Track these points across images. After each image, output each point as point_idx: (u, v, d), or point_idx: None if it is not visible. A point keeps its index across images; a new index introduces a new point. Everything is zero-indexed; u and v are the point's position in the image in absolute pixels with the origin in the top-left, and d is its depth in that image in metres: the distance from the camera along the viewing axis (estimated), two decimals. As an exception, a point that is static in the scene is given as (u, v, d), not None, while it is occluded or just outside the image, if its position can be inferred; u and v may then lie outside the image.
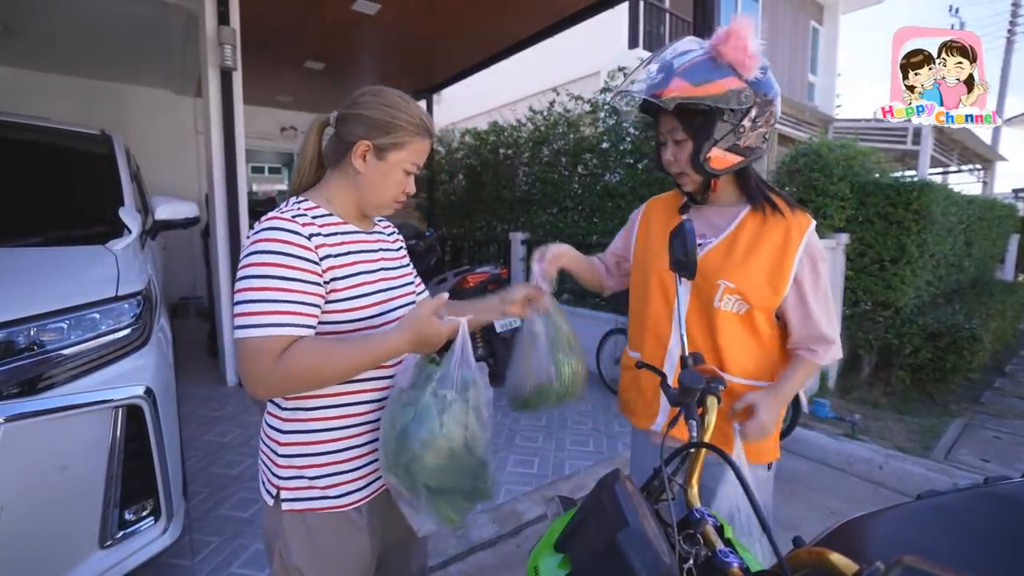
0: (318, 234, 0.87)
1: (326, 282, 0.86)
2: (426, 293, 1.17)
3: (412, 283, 1.09)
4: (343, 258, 0.90)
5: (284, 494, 0.91)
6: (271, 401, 0.95)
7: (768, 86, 1.03)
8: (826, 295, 1.10)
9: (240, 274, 0.82)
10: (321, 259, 0.85)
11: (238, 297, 0.81)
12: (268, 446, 0.95)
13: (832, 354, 1.12)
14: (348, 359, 0.83)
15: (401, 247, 1.12)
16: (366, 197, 0.96)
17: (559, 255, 1.24)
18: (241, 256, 0.85)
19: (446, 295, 0.92)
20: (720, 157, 1.05)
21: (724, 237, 1.12)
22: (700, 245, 1.13)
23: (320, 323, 0.88)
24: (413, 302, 1.06)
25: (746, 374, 1.11)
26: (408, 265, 1.10)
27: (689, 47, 1.05)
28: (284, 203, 0.93)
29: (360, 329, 0.92)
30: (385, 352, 0.85)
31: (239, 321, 0.80)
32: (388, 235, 1.09)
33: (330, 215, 0.93)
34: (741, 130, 1.02)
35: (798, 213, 1.11)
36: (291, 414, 0.92)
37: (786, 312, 1.11)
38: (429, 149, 0.98)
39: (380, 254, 1.00)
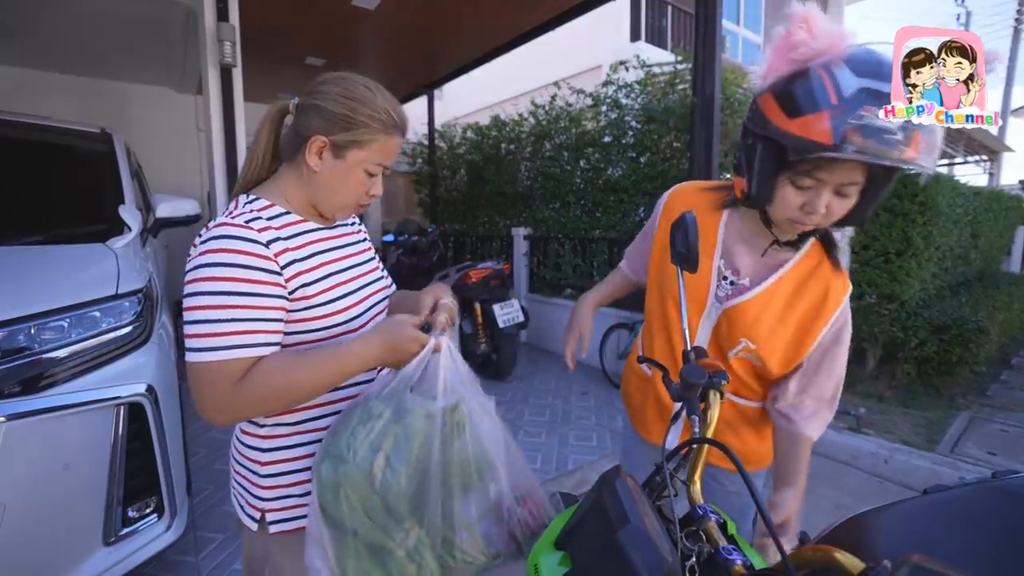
0: (278, 238, 0.78)
1: (292, 291, 0.79)
2: (392, 287, 1.07)
3: (383, 277, 1.01)
4: (309, 261, 0.82)
5: (271, 516, 0.85)
6: None
7: None
8: (842, 366, 0.98)
9: (189, 290, 0.73)
10: (283, 267, 0.77)
11: (189, 316, 0.72)
12: (246, 467, 0.87)
13: (822, 426, 0.98)
14: (315, 376, 0.76)
15: (366, 238, 1.03)
16: (321, 198, 0.85)
17: (588, 309, 1.31)
18: (187, 268, 0.74)
19: (431, 300, 0.85)
20: None
21: (764, 289, 0.98)
22: (734, 284, 1.02)
23: (293, 333, 0.81)
24: (387, 298, 1.00)
25: (751, 397, 1.07)
26: (375, 258, 1.02)
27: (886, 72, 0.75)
28: (233, 204, 0.83)
29: (339, 335, 0.85)
30: (356, 363, 0.78)
31: (192, 343, 0.72)
32: (351, 225, 1.00)
33: (287, 213, 0.84)
34: None
35: (840, 275, 0.97)
36: (272, 430, 0.85)
37: (796, 372, 0.99)
38: (399, 147, 0.86)
39: (348, 249, 0.92)
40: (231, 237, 0.74)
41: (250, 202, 0.82)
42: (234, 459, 0.91)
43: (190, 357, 0.72)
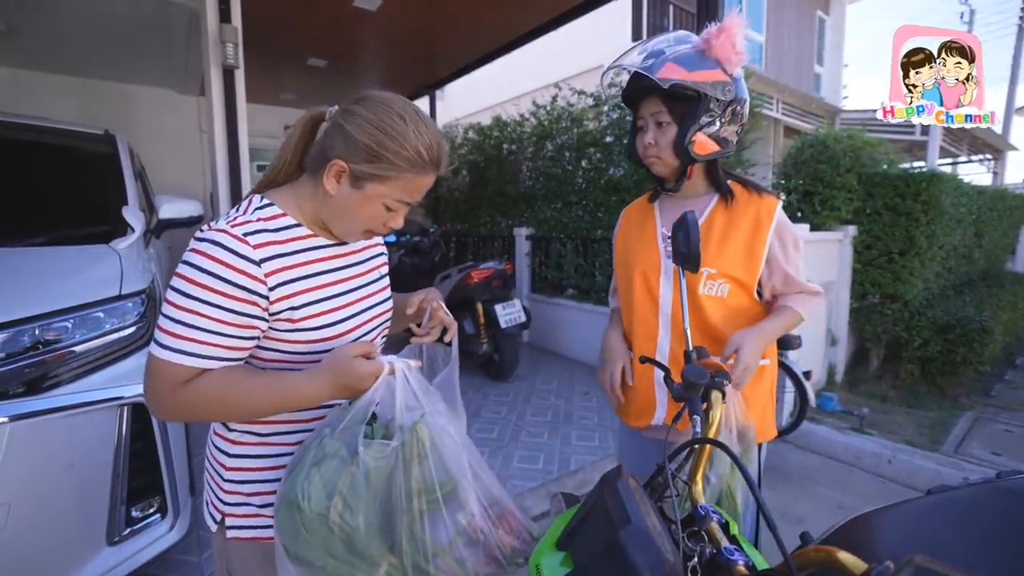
0: (277, 256, 0.75)
1: (275, 313, 0.76)
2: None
3: (390, 298, 0.98)
4: (307, 281, 0.79)
5: (229, 520, 0.84)
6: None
7: (743, 88, 1.09)
8: (797, 267, 1.16)
9: (171, 282, 0.72)
10: (272, 288, 0.74)
11: (162, 308, 0.72)
12: (214, 468, 0.86)
13: (814, 306, 1.17)
14: (250, 404, 0.74)
15: (382, 252, 1.00)
16: (331, 221, 0.81)
17: (619, 340, 1.27)
18: (181, 258, 0.73)
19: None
20: (703, 143, 1.08)
21: (699, 224, 1.14)
22: None
23: (273, 350, 0.79)
24: (389, 320, 0.98)
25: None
26: (385, 277, 0.98)
27: (679, 39, 1.10)
28: (246, 203, 0.80)
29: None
30: (300, 398, 0.75)
31: (155, 333, 0.72)
32: (369, 240, 0.94)
33: (297, 226, 0.80)
34: (723, 120, 1.08)
35: (765, 196, 1.16)
36: (240, 436, 0.83)
37: (765, 283, 1.17)
38: (429, 184, 0.81)
39: (356, 269, 0.89)
40: (222, 246, 0.71)
41: (261, 207, 0.79)
42: (206, 457, 0.90)
43: (150, 347, 0.73)
